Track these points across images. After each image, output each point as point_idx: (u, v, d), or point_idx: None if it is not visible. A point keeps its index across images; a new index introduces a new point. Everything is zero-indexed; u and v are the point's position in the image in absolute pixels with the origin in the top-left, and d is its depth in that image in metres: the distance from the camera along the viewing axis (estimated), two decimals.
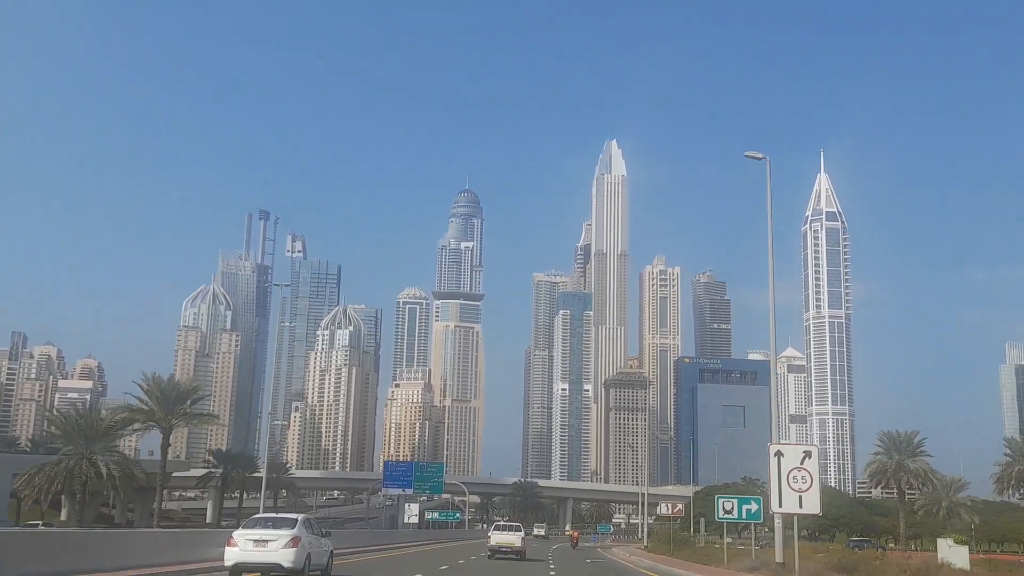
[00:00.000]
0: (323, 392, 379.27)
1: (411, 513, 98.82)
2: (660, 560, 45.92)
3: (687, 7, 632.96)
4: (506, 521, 73.99)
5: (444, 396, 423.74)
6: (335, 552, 27.31)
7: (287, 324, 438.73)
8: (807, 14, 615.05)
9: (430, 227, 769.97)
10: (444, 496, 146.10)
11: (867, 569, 28.66)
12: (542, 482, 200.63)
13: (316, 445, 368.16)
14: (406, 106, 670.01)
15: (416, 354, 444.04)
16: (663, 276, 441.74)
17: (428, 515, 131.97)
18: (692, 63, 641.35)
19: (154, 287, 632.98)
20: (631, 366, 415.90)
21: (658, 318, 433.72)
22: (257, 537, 22.76)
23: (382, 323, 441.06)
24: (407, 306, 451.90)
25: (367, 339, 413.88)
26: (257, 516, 25.13)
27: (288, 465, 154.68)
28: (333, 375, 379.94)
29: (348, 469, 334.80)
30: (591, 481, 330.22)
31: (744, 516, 37.84)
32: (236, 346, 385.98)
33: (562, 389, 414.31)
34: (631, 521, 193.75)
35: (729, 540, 52.80)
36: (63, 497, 75.54)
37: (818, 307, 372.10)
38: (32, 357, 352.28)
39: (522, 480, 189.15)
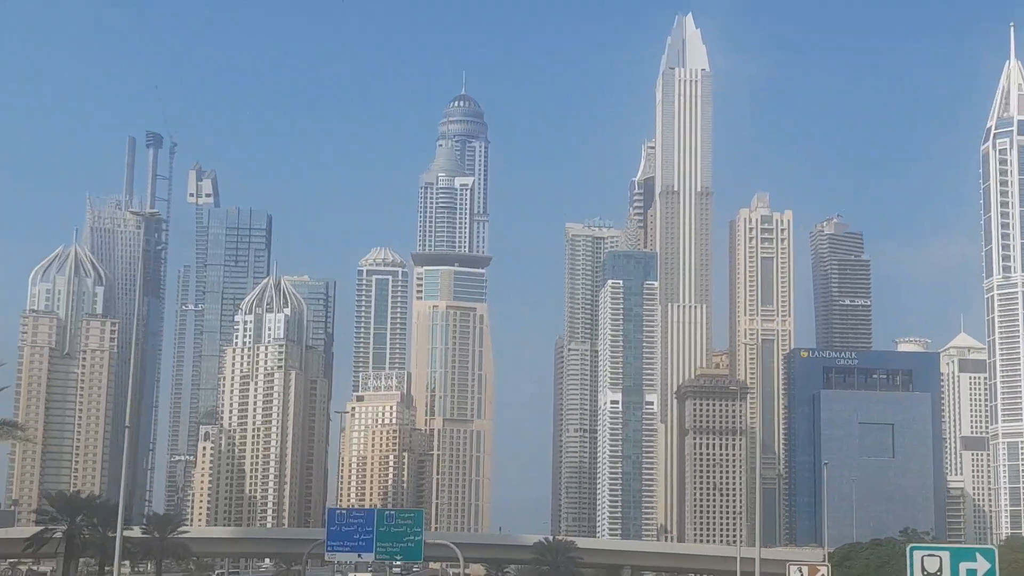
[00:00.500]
0: (246, 410, 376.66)
1: None
2: None
3: None
4: None
5: (432, 414, 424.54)
6: None
7: (190, 307, 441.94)
8: None
9: (407, 156, 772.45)
10: (429, 567, 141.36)
11: None
12: (582, 542, 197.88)
13: (237, 490, 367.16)
14: None
15: (389, 350, 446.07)
16: (767, 226, 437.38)
17: None
18: None
19: None
20: (718, 365, 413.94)
21: (759, 290, 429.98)
22: None
23: (336, 303, 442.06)
24: (373, 277, 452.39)
25: (313, 328, 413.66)
26: None
27: (182, 519, 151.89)
28: (261, 383, 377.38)
29: (286, 525, 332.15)
30: (658, 540, 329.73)
31: None
32: (112, 340, 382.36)
33: (612, 402, 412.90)
34: None
35: None
36: None
37: (1007, 270, 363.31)
38: None
39: (551, 538, 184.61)
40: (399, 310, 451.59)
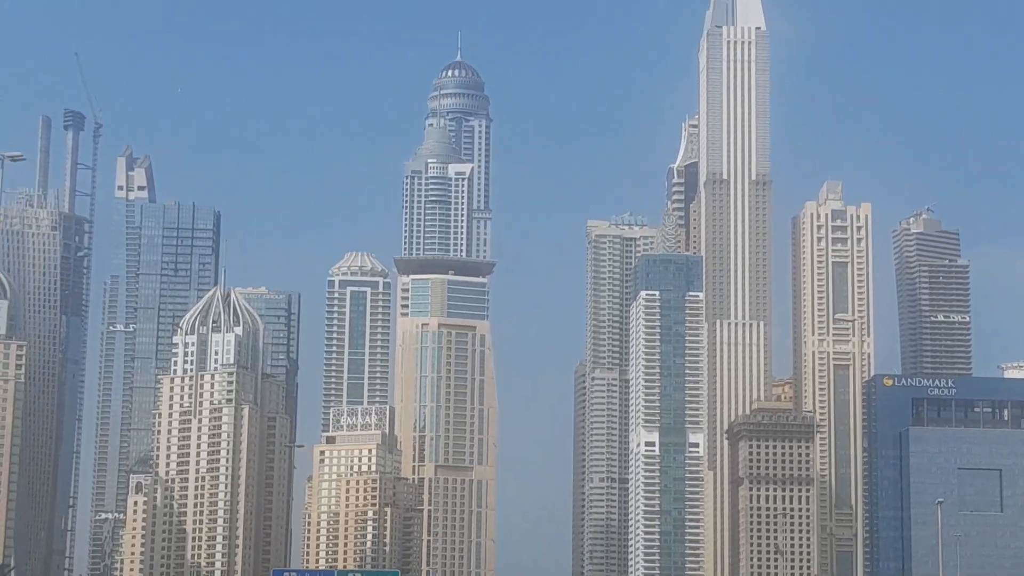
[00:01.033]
0: (187, 454, 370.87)
1: None
2: None
3: None
4: None
5: (422, 459, 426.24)
6: None
7: (119, 327, 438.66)
8: None
9: (389, 138, 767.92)
10: None
11: None
12: None
13: (176, 555, 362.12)
14: None
15: (368, 380, 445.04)
16: (839, 222, 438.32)
17: None
18: None
19: None
20: (779, 397, 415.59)
21: (830, 303, 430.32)
22: None
23: (300, 322, 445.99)
24: (348, 289, 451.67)
25: (272, 352, 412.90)
26: None
27: None
28: (207, 421, 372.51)
29: None
30: None
31: None
32: (19, 368, 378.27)
33: (647, 444, 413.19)
34: None
35: None
36: None
37: None
38: None
39: None
40: (380, 330, 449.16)
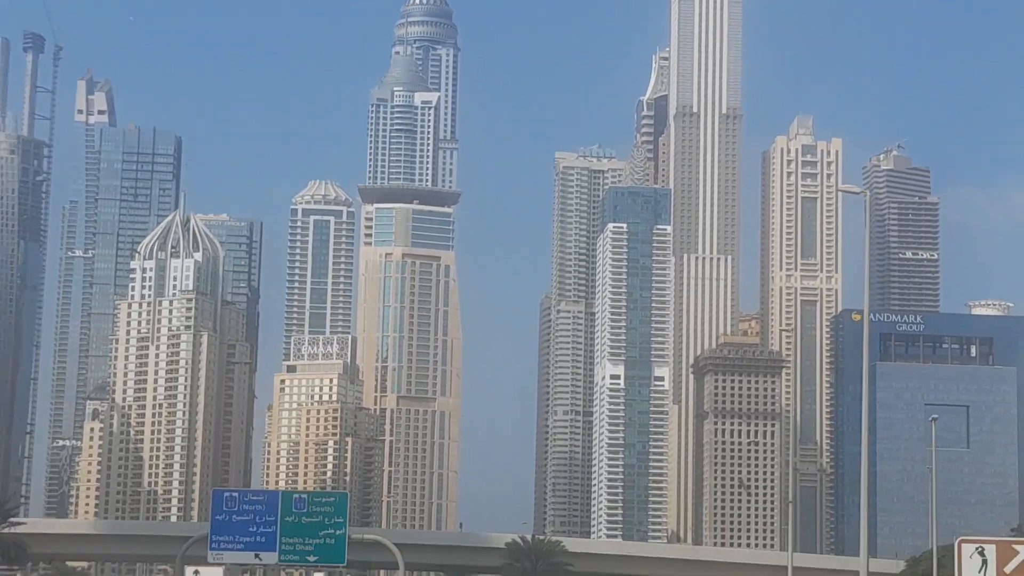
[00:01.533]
0: (144, 381, 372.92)
1: None
2: None
3: None
4: None
5: (384, 390, 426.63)
6: None
7: (78, 252, 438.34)
8: None
9: (354, 65, 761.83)
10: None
11: None
12: (571, 543, 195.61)
13: (133, 482, 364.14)
14: None
15: (330, 309, 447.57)
16: (809, 157, 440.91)
17: None
18: None
19: None
20: (746, 332, 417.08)
21: (799, 238, 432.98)
22: None
23: (262, 250, 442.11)
24: (311, 217, 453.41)
25: (233, 280, 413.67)
26: None
27: (13, 508, 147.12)
28: (164, 347, 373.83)
29: (197, 519, 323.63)
30: (669, 541, 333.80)
31: None
32: None
33: (612, 377, 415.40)
34: None
35: None
36: None
37: None
38: None
39: (531, 538, 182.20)
40: (343, 259, 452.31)
